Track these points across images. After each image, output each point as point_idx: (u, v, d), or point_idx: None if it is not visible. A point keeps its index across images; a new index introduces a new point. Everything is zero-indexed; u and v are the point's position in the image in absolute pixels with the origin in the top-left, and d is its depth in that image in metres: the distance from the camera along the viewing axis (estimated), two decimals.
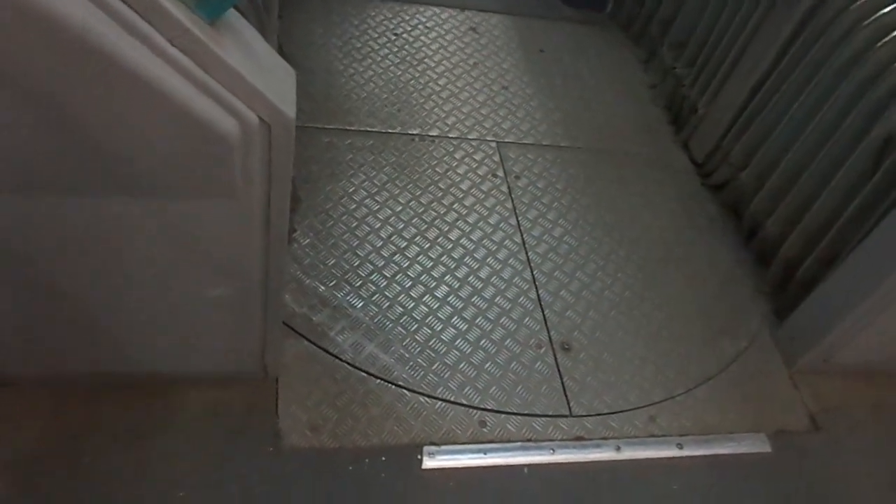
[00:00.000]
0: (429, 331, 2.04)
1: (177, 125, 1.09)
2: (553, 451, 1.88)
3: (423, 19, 3.09)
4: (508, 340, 2.08)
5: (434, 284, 2.16)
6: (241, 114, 1.13)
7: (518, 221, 2.41)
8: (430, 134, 2.62)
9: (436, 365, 1.97)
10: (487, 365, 2.01)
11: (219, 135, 1.13)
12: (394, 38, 2.96)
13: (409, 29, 3.03)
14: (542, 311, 2.18)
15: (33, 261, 1.36)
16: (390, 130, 2.58)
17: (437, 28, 3.07)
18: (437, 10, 3.16)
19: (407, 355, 1.97)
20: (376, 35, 2.95)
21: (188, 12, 1.03)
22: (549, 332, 2.13)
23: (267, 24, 1.82)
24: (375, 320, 2.02)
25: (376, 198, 2.35)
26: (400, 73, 2.82)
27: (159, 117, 1.07)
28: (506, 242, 2.34)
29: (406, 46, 2.94)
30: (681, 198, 2.68)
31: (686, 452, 1.96)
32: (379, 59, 2.85)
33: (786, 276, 2.36)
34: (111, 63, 0.98)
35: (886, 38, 2.03)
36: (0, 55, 0.95)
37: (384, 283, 2.12)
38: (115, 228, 1.31)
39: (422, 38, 3.01)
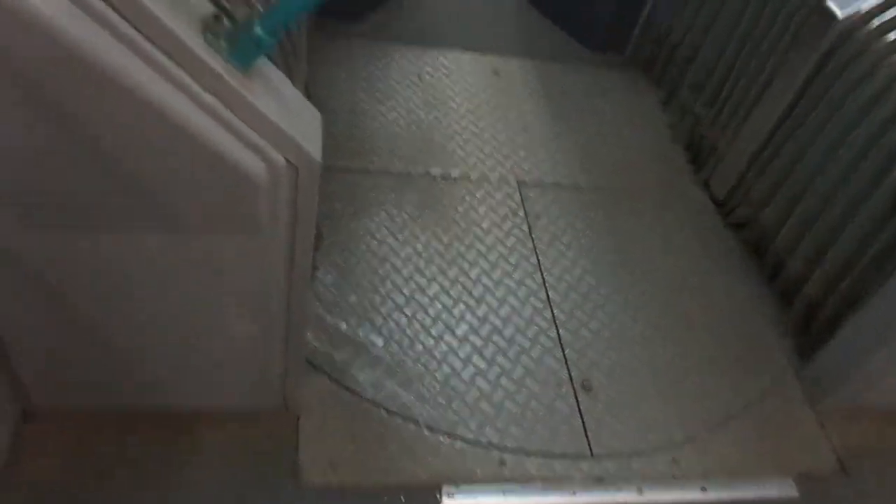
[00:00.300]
0: (448, 369, 2.05)
1: (208, 166, 1.14)
2: (574, 492, 1.86)
3: (446, 62, 3.17)
4: (528, 379, 2.08)
5: (454, 322, 2.17)
6: (268, 156, 1.17)
7: (538, 260, 2.43)
8: (452, 174, 2.66)
9: (455, 403, 1.98)
10: (507, 403, 2.01)
11: (247, 176, 1.17)
12: (417, 80, 3.03)
13: (432, 71, 3.10)
14: (563, 350, 2.18)
15: (63, 294, 1.40)
16: (412, 170, 2.63)
17: (459, 71, 3.14)
18: (459, 53, 3.23)
19: (426, 393, 1.98)
20: (400, 77, 3.02)
21: (222, 61, 1.09)
22: (569, 370, 2.13)
23: (295, 68, 1.89)
24: (396, 358, 2.04)
25: (398, 236, 2.38)
26: (423, 114, 2.88)
27: (192, 159, 1.12)
28: (526, 281, 2.35)
29: (429, 88, 3.01)
30: (702, 236, 2.68)
31: (710, 496, 1.93)
32: (402, 100, 2.91)
33: (809, 315, 2.34)
34: (150, 108, 1.03)
35: None
36: (58, 103, 1.01)
37: (405, 321, 2.14)
38: (144, 263, 1.35)
39: (445, 80, 3.08)
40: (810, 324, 2.33)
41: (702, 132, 2.94)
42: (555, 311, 2.28)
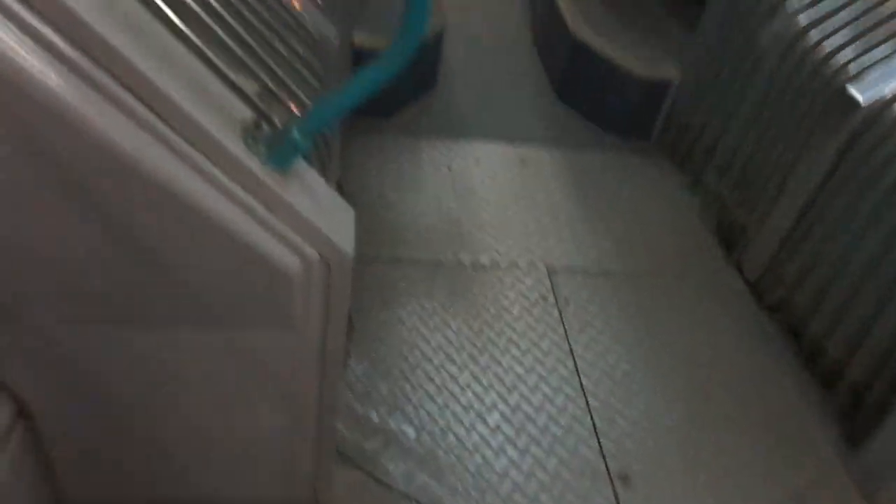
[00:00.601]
0: (481, 459, 2.01)
1: (246, 263, 1.18)
2: None
3: (475, 153, 3.26)
4: (563, 470, 2.02)
5: (486, 411, 2.14)
6: (303, 252, 1.22)
7: (570, 347, 2.41)
8: (482, 261, 2.69)
9: (489, 496, 1.93)
10: (542, 496, 1.95)
11: (282, 271, 1.21)
12: (446, 170, 3.12)
13: (462, 162, 3.19)
14: (598, 440, 2.12)
15: (98, 386, 1.43)
16: (442, 258, 2.67)
17: (488, 161, 3.23)
18: (488, 144, 3.33)
19: (459, 486, 1.94)
20: (431, 169, 3.11)
21: (261, 164, 1.15)
22: (605, 461, 2.07)
23: (328, 165, 1.97)
24: (427, 448, 2.01)
25: (428, 323, 2.40)
26: (452, 203, 2.95)
27: (231, 257, 1.16)
28: (559, 368, 2.33)
29: (458, 179, 3.09)
30: (736, 320, 2.64)
31: None
32: (432, 190, 2.99)
33: (854, 400, 2.25)
34: (192, 210, 1.09)
35: None
36: (104, 207, 1.07)
37: (436, 410, 2.12)
38: (177, 356, 1.38)
39: (474, 170, 3.16)
40: (856, 410, 2.24)
41: (730, 214, 2.95)
42: (588, 399, 2.24)
